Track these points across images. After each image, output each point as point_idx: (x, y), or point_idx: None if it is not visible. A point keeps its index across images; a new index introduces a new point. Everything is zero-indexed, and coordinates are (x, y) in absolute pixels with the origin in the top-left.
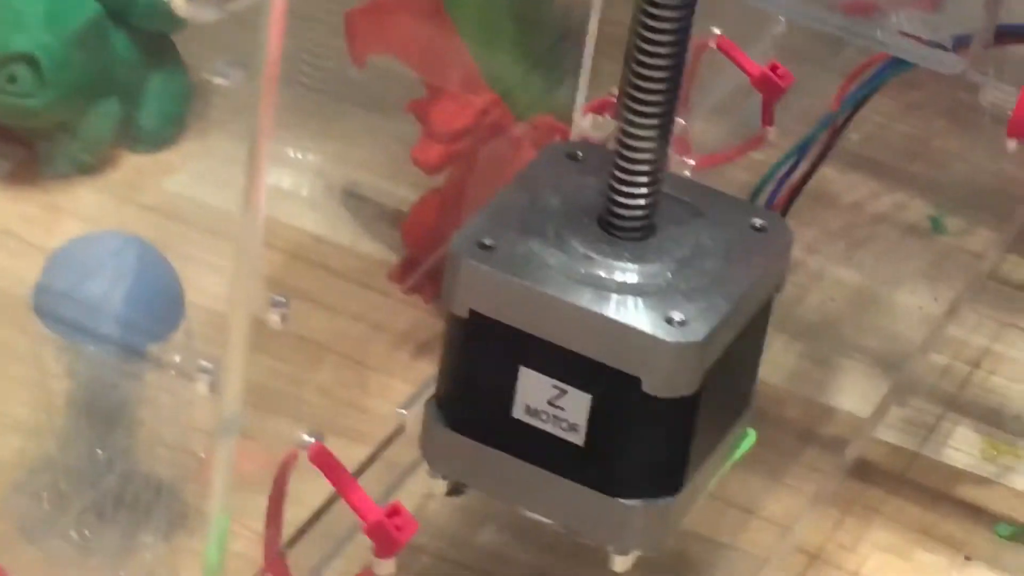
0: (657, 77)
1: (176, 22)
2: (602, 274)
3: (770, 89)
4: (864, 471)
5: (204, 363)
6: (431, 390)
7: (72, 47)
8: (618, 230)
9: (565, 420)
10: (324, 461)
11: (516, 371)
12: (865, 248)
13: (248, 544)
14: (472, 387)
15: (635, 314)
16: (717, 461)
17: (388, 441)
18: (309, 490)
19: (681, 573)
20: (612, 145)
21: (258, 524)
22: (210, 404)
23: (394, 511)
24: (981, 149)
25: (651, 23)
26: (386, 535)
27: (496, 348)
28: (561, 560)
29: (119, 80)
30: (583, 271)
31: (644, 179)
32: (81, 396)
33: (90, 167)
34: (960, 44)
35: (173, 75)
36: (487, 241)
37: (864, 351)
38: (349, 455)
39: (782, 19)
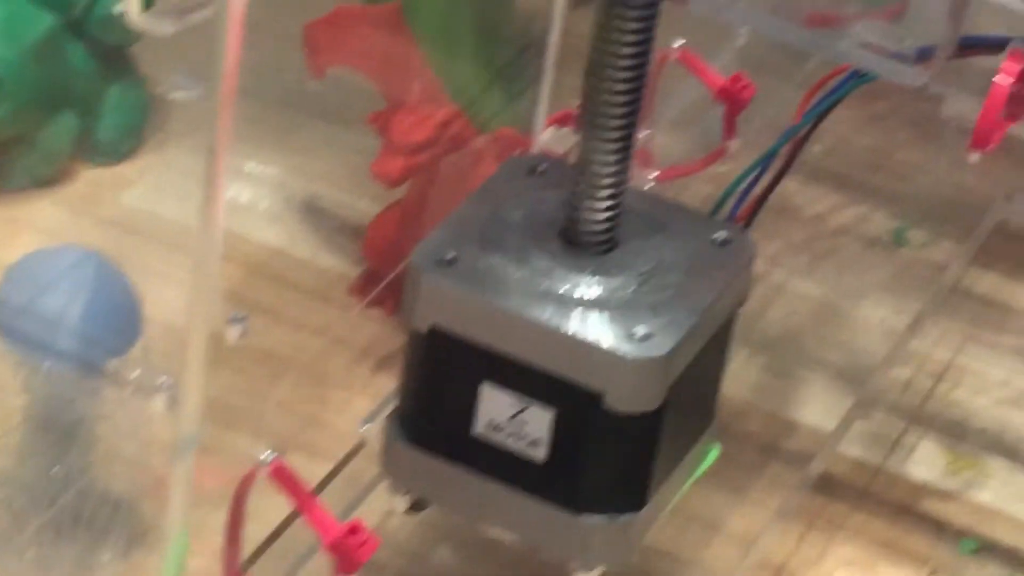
0: (619, 90)
1: (133, 34)
2: (564, 289)
3: (732, 101)
4: (827, 485)
5: (162, 379)
6: (392, 405)
7: (29, 60)
8: (580, 244)
9: (527, 436)
10: (284, 478)
11: (478, 386)
12: (828, 261)
13: (207, 562)
14: (433, 403)
15: (597, 329)
16: (681, 476)
17: (349, 457)
18: (269, 507)
19: None
20: (574, 158)
21: (217, 541)
22: (168, 420)
23: (355, 528)
24: (944, 161)
25: (613, 36)
26: (347, 553)
27: (457, 363)
28: None
29: (76, 93)
30: (545, 286)
31: (606, 192)
32: (38, 412)
33: (47, 180)
34: (923, 55)
35: (131, 87)
36: (448, 256)
37: (827, 364)
38: (310, 471)
39: (744, 31)
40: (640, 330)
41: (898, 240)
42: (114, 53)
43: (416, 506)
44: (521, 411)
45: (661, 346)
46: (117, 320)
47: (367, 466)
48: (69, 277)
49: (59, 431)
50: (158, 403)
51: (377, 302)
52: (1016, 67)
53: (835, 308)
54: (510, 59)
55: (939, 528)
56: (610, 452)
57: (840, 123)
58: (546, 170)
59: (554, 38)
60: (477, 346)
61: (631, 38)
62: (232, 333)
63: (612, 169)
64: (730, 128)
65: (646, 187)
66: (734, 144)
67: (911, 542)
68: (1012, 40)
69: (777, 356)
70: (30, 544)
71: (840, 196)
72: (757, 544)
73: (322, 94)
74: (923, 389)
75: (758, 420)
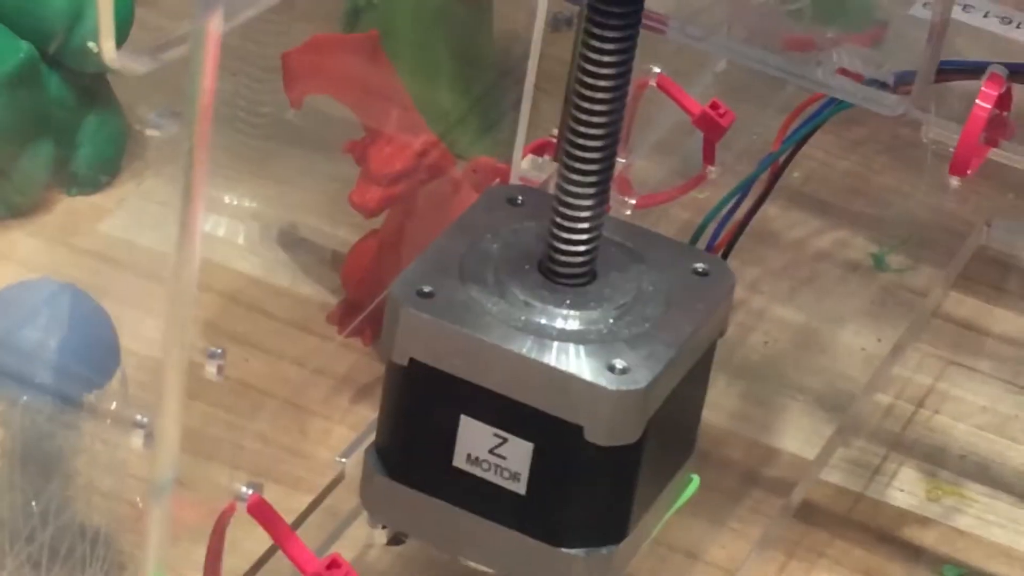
0: (597, 122)
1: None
2: (543, 321)
3: (711, 128)
4: (808, 513)
5: (139, 417)
6: (371, 436)
7: (5, 89)
8: (559, 276)
9: (507, 469)
10: (262, 513)
11: (457, 420)
12: (808, 287)
13: None
14: (412, 436)
15: (576, 362)
16: (661, 508)
17: (329, 489)
18: (248, 540)
19: None
20: (552, 188)
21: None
22: (146, 457)
23: (333, 563)
24: (924, 186)
25: (591, 68)
26: None
27: (436, 396)
28: None
29: (53, 122)
30: (524, 318)
31: (585, 225)
32: (16, 446)
33: (24, 210)
34: (901, 81)
35: (108, 117)
36: (426, 288)
37: (807, 391)
38: (289, 503)
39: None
40: (619, 363)
41: (878, 265)
42: (91, 82)
43: (396, 539)
44: (500, 444)
45: (640, 379)
46: (95, 353)
47: (347, 496)
48: (45, 310)
49: (38, 465)
50: (135, 441)
51: (355, 332)
52: (995, 92)
53: (815, 334)
54: (488, 87)
55: (920, 555)
56: (590, 485)
57: (819, 148)
58: (525, 201)
59: (532, 64)
60: (456, 379)
61: (610, 71)
62: (209, 369)
63: (591, 202)
64: (709, 155)
65: (625, 214)
66: (713, 171)
67: (893, 569)
68: (991, 65)
69: (757, 383)
70: None
71: (820, 222)
72: (738, 574)
73: (300, 123)
74: (904, 415)
75: (739, 447)
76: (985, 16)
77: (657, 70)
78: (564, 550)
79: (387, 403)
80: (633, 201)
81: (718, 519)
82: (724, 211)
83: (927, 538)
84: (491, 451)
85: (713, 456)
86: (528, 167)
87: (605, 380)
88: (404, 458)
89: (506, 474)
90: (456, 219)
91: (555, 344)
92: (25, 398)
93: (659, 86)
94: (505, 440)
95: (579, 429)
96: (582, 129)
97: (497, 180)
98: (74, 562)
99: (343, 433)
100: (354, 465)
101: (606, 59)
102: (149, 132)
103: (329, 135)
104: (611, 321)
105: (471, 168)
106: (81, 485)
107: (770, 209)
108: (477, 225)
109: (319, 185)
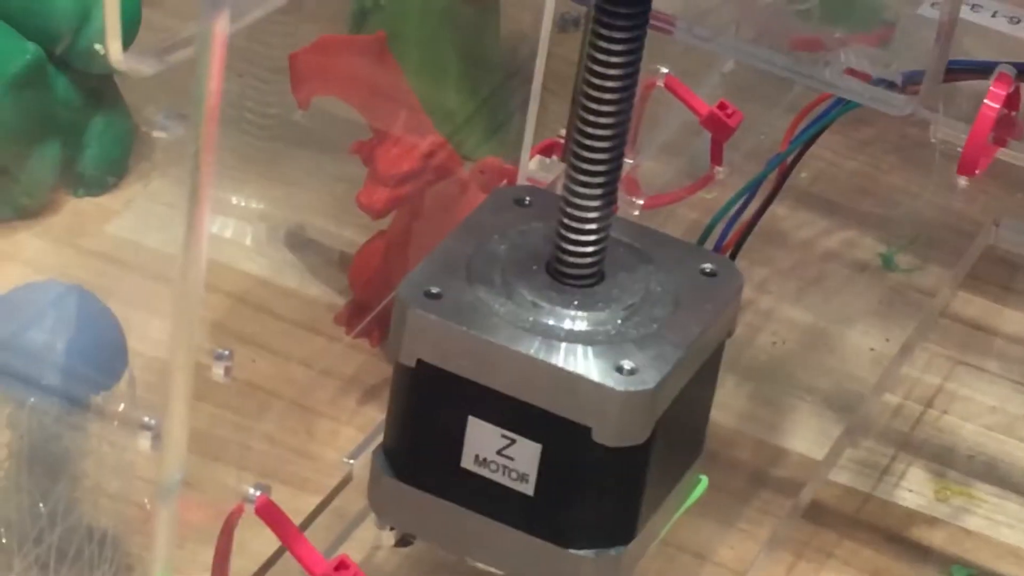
0: (605, 123)
1: None
2: (551, 322)
3: (719, 128)
4: (816, 513)
5: (146, 418)
6: (379, 438)
7: (12, 91)
8: (567, 277)
9: (515, 470)
10: (270, 514)
11: (465, 421)
12: (816, 287)
13: None
14: (420, 437)
15: (584, 363)
16: (669, 509)
17: (337, 490)
18: (256, 542)
19: None
20: (560, 188)
21: None
22: (154, 459)
23: (342, 565)
24: (932, 186)
25: (599, 69)
26: None
27: (444, 398)
28: None
29: (60, 123)
30: (531, 319)
31: (592, 226)
32: (24, 448)
33: (31, 211)
34: (909, 81)
35: (115, 118)
36: (434, 289)
37: (815, 391)
38: (297, 504)
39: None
40: (627, 364)
41: (887, 265)
42: (98, 84)
43: (403, 541)
44: (508, 445)
45: (648, 380)
46: (102, 355)
47: (355, 498)
48: (53, 311)
49: (45, 467)
50: (142, 443)
51: (363, 333)
52: (1003, 92)
53: (824, 334)
54: (495, 88)
55: (929, 555)
56: (598, 486)
57: (827, 149)
58: (532, 202)
59: (539, 65)
60: (464, 380)
61: (617, 72)
62: (217, 370)
63: (599, 203)
64: (717, 155)
65: (633, 214)
66: (721, 171)
67: (901, 569)
68: (999, 64)
69: (766, 383)
70: None
71: (828, 222)
72: (747, 574)
73: (307, 124)
74: (912, 415)
75: (747, 448)
76: (993, 16)
77: (665, 70)
78: (572, 551)
79: (394, 404)
80: (641, 201)
81: (727, 520)
82: (732, 211)
83: (936, 538)
84: (499, 452)
85: (721, 457)
86: (535, 168)
87: (613, 381)
88: (412, 459)
89: (514, 475)
90: (463, 220)
91: (563, 345)
92: (32, 400)
93: (667, 87)
94: (513, 441)
95: (587, 430)
96: (590, 130)
97: (504, 181)
98: (82, 564)
99: (351, 434)
100: (362, 466)
101: (614, 60)
102: (156, 133)
103: (336, 136)
104: (619, 322)
105: (478, 169)
106: (88, 487)
107: (778, 209)
108: (484, 226)
109: (326, 186)
